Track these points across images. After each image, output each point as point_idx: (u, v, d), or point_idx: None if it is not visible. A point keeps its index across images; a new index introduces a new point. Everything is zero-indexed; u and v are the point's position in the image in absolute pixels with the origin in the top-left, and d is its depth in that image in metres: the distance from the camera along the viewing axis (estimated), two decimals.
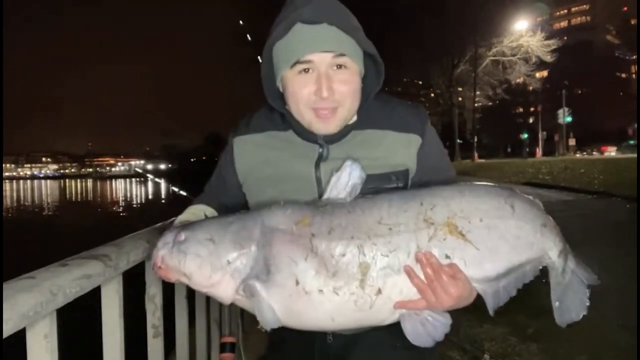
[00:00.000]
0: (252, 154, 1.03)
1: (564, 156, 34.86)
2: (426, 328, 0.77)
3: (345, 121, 0.94)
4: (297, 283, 0.75)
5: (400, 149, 0.97)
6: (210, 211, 1.07)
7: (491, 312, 0.82)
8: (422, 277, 0.76)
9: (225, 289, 0.79)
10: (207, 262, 0.78)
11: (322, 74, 0.86)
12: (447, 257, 0.77)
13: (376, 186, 0.92)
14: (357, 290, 0.75)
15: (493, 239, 0.78)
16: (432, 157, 1.00)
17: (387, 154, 0.97)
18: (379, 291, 0.76)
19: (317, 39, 0.84)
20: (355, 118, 0.98)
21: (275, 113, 1.00)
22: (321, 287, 0.75)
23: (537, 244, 0.83)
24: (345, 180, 0.82)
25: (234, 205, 1.05)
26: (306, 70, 0.88)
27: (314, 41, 0.84)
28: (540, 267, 0.85)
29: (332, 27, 0.84)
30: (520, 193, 0.87)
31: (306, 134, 0.96)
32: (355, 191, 0.83)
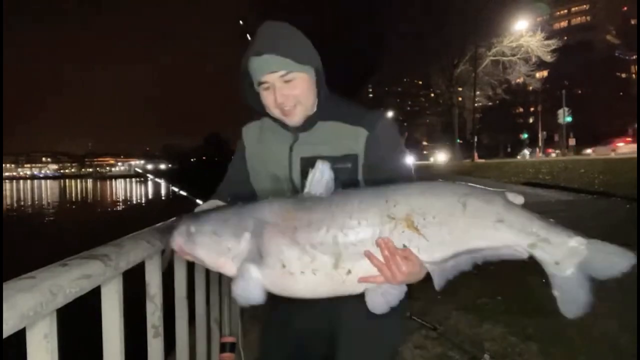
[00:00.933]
0: (253, 135, 1.40)
1: (564, 156, 34.84)
2: (385, 297, 0.97)
3: (305, 112, 1.25)
4: (284, 266, 0.95)
5: (352, 138, 1.25)
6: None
7: (437, 288, 0.98)
8: (380, 258, 0.94)
9: (229, 269, 1.00)
10: (212, 250, 0.99)
11: (275, 88, 1.20)
12: (404, 246, 0.95)
13: (332, 165, 1.10)
14: (332, 271, 0.95)
15: (443, 233, 0.93)
16: (380, 149, 1.24)
17: (341, 142, 1.25)
18: (349, 272, 0.95)
19: (264, 66, 1.18)
20: (315, 109, 1.28)
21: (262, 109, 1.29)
22: (303, 269, 0.94)
23: (491, 238, 0.94)
24: (319, 177, 1.00)
25: (247, 193, 1.36)
26: (266, 87, 1.21)
27: (261, 68, 1.18)
28: (513, 254, 0.95)
29: (273, 55, 1.16)
30: (481, 190, 0.97)
31: (284, 125, 1.29)
32: (330, 188, 0.99)
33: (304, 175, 1.12)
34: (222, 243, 0.98)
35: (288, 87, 1.19)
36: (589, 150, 37.30)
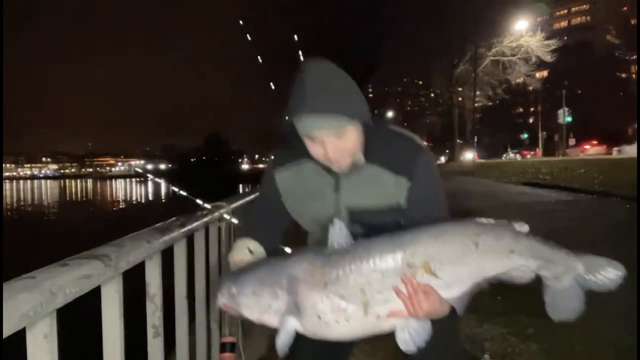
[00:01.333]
0: (288, 180, 1.38)
1: (564, 156, 34.86)
2: (411, 335, 1.06)
3: (353, 159, 1.24)
4: (319, 317, 1.05)
5: (394, 187, 1.26)
6: (254, 246, 1.34)
7: (459, 314, 1.09)
8: (405, 292, 1.03)
9: (271, 322, 1.10)
10: (255, 308, 1.10)
11: (324, 143, 1.18)
12: None
13: (377, 219, 1.25)
14: (363, 318, 1.05)
15: (459, 272, 1.04)
16: (420, 197, 1.25)
17: (385, 191, 1.26)
18: (378, 316, 1.05)
19: (314, 124, 1.16)
20: (361, 155, 1.26)
21: (300, 145, 1.27)
22: (337, 319, 1.04)
23: (504, 266, 1.06)
24: (338, 232, 1.09)
25: (277, 221, 1.43)
26: (315, 140, 1.19)
27: (311, 126, 1.17)
28: (521, 275, 1.08)
29: (325, 114, 1.14)
30: (490, 227, 1.06)
31: (325, 167, 1.27)
32: (351, 240, 1.09)
33: (351, 220, 1.26)
34: (262, 302, 1.09)
35: (339, 141, 1.18)
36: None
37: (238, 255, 1.31)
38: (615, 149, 37.07)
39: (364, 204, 1.27)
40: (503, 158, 45.18)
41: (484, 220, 1.08)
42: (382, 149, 1.27)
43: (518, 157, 47.04)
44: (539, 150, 43.43)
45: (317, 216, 1.33)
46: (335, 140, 1.18)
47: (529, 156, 46.89)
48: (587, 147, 41.95)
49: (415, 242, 1.05)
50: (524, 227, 1.08)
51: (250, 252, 1.32)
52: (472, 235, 1.04)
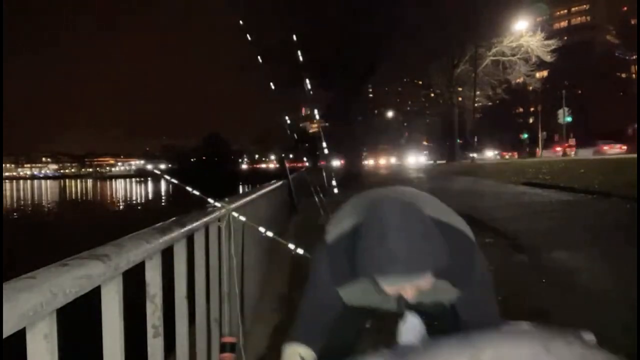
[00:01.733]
0: (354, 294, 1.36)
1: (563, 156, 34.84)
2: None
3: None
4: None
5: (448, 294, 1.32)
6: (304, 352, 1.33)
7: None
8: None
9: None
10: None
11: (404, 289, 1.17)
12: None
13: (426, 319, 1.27)
14: None
15: None
16: (472, 304, 1.33)
17: (437, 295, 1.31)
18: None
19: (399, 281, 1.13)
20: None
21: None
22: None
23: None
24: (410, 327, 1.16)
25: (326, 316, 1.38)
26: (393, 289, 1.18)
27: (394, 281, 1.13)
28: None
29: (405, 274, 1.10)
30: (559, 333, 1.09)
31: None
32: (424, 335, 1.15)
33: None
34: None
35: (414, 289, 1.17)
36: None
37: None
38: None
39: (419, 305, 1.30)
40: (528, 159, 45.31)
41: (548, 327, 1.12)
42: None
43: (498, 157, 47.38)
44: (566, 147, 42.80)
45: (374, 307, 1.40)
46: (415, 289, 1.17)
47: (507, 157, 47.30)
48: (558, 149, 41.40)
49: (486, 342, 1.07)
50: (590, 336, 1.12)
51: (302, 358, 1.32)
52: (544, 339, 1.06)
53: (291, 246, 1.49)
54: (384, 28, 23.58)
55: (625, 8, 75.08)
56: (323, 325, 1.39)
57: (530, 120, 66.38)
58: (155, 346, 1.32)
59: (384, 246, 1.08)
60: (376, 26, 23.02)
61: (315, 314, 1.38)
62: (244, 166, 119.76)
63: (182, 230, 1.55)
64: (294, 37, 4.11)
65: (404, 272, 1.09)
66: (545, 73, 55.37)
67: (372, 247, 1.11)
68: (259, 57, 5.80)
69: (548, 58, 31.10)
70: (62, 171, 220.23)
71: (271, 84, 4.60)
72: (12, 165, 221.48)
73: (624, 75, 75.77)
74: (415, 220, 1.13)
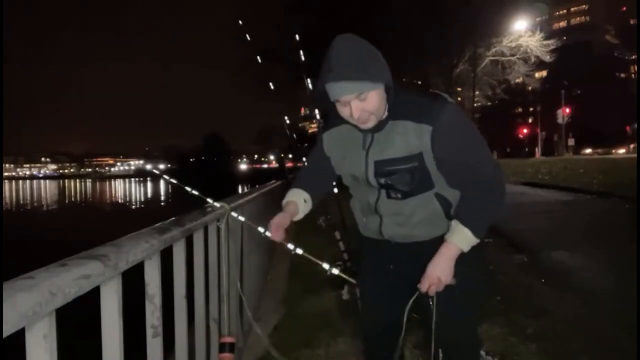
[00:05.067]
0: (333, 141, 1.62)
1: (563, 156, 34.88)
2: None
3: (378, 119, 1.40)
4: None
5: (417, 136, 1.39)
6: (306, 195, 1.64)
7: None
8: None
9: None
10: None
11: (350, 105, 1.35)
12: None
13: (399, 165, 1.41)
14: None
15: None
16: (446, 143, 1.37)
17: (407, 141, 1.40)
18: None
19: (339, 90, 1.33)
20: (386, 114, 1.42)
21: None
22: None
23: None
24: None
25: (324, 178, 1.72)
26: (342, 104, 1.36)
27: (337, 92, 1.33)
28: None
29: (349, 81, 1.29)
30: None
31: (359, 127, 1.44)
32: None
33: (377, 175, 1.45)
34: None
35: (362, 103, 1.33)
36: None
37: (293, 199, 1.60)
38: None
39: (388, 156, 1.43)
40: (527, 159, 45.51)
41: None
42: (407, 105, 1.41)
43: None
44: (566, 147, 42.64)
45: (352, 171, 1.54)
46: (358, 103, 1.33)
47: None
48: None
49: None
50: None
51: (305, 201, 1.62)
52: None
53: (290, 246, 1.49)
54: (383, 28, 23.57)
55: (625, 8, 75.14)
56: (322, 185, 1.74)
57: (530, 120, 66.40)
58: (154, 346, 1.32)
59: (328, 62, 1.30)
60: (374, 26, 23.01)
61: (313, 175, 1.72)
62: (244, 166, 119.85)
63: (181, 230, 1.55)
64: (296, 37, 4.12)
65: (339, 79, 1.28)
66: (544, 73, 55.34)
67: (322, 66, 1.32)
68: (258, 58, 5.80)
69: (547, 58, 31.06)
70: (61, 171, 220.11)
71: (270, 84, 4.60)
72: (12, 166, 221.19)
73: (623, 75, 75.79)
74: (362, 45, 1.32)
